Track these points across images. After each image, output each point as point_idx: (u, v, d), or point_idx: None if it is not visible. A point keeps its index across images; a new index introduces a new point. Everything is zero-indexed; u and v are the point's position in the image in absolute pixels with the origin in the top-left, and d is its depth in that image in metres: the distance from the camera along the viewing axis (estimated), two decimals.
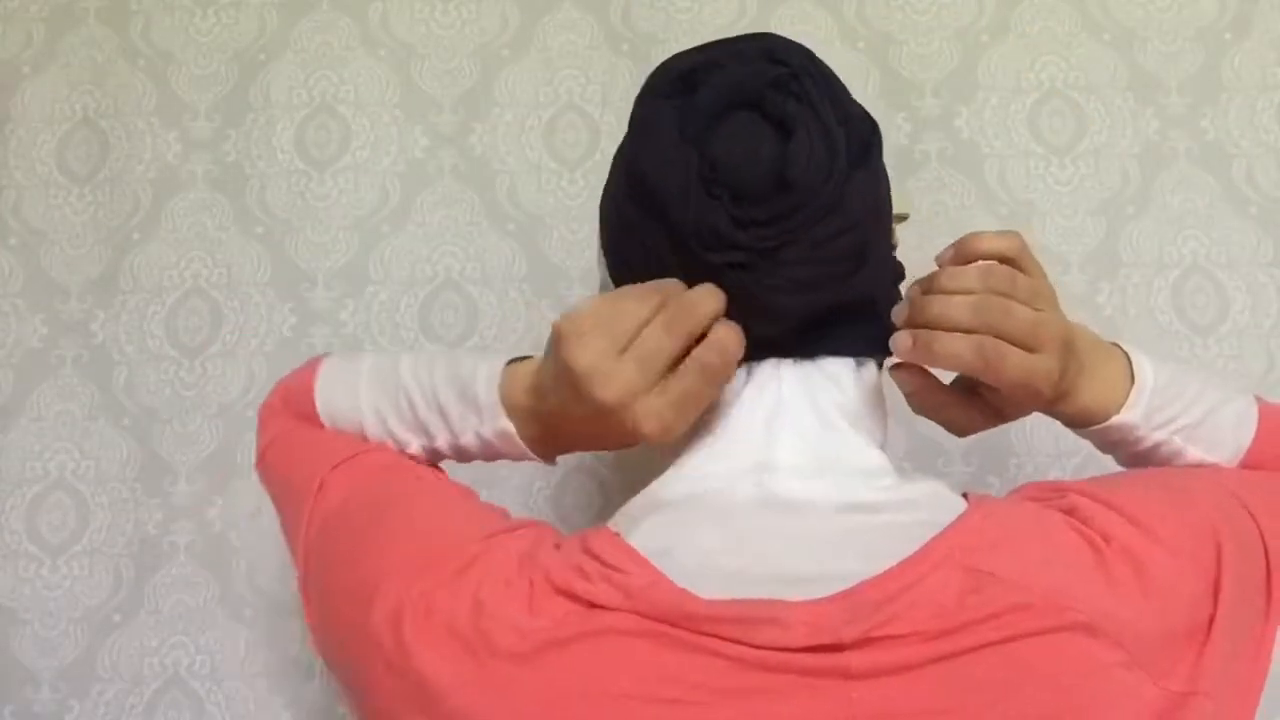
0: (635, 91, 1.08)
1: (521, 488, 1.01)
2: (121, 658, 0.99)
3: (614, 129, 1.05)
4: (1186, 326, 1.01)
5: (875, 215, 0.61)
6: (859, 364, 0.62)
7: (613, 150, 0.65)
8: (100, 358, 1.04)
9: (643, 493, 0.60)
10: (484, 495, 1.00)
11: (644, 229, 0.60)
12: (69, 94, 1.08)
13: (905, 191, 0.63)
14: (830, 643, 0.51)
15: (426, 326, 1.04)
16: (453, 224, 1.05)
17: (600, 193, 0.66)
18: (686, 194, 0.57)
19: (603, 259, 0.66)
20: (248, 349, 1.04)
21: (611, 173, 0.65)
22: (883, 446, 0.62)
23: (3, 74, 1.08)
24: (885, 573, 0.53)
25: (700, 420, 0.60)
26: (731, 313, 0.58)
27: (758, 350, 0.59)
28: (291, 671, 0.99)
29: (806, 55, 0.61)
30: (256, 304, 1.04)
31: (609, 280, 0.65)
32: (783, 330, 0.59)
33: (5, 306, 1.05)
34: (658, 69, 0.63)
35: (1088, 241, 1.03)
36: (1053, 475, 0.99)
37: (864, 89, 1.06)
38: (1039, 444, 0.99)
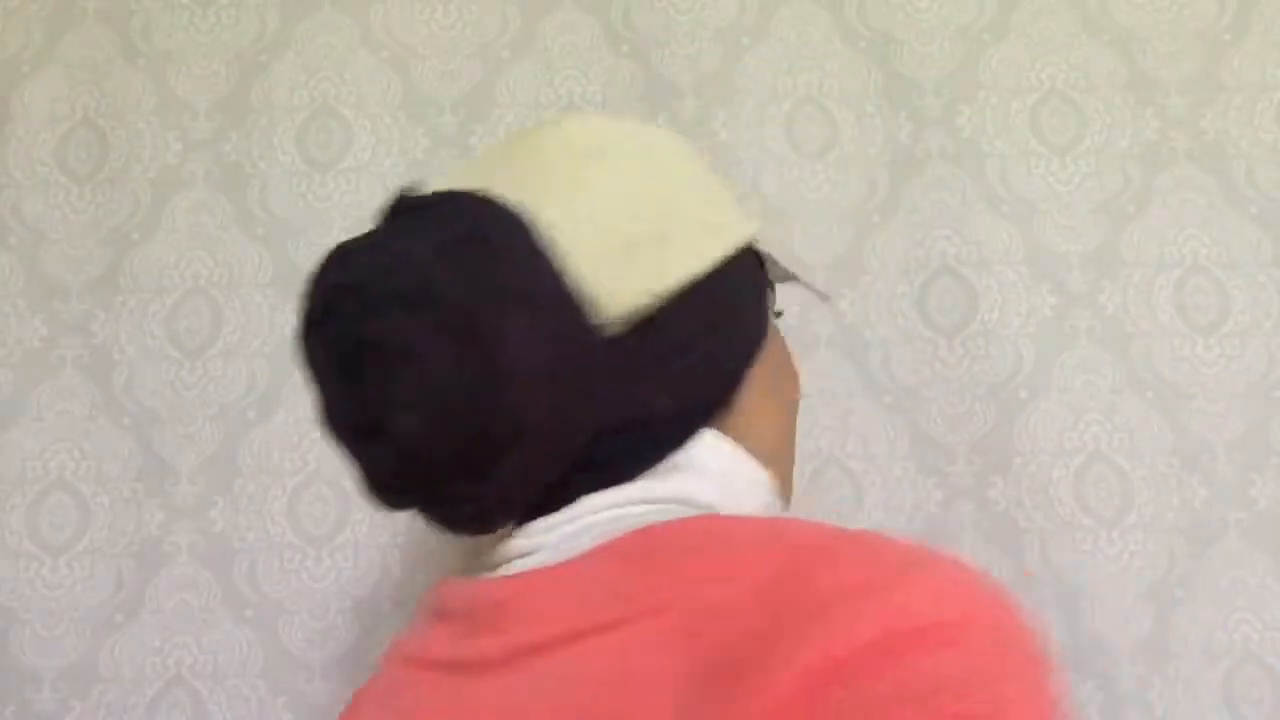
0: (635, 92, 1.07)
1: None
2: (123, 658, 0.99)
3: None
4: (1187, 326, 1.01)
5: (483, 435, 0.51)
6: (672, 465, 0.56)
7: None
8: (100, 358, 1.04)
9: None
10: None
11: None
12: (69, 93, 1.08)
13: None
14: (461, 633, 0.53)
15: None
16: None
17: None
18: (344, 437, 0.55)
19: None
20: (249, 349, 1.04)
21: None
22: (765, 487, 0.58)
23: (2, 73, 1.08)
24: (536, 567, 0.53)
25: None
26: None
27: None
28: (293, 671, 0.99)
29: (388, 302, 0.51)
30: (258, 304, 1.04)
31: None
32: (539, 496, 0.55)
33: (5, 306, 1.05)
34: (306, 291, 0.56)
35: (1088, 241, 1.03)
36: (1056, 473, 0.99)
37: (865, 88, 1.06)
38: (1042, 443, 1.00)
